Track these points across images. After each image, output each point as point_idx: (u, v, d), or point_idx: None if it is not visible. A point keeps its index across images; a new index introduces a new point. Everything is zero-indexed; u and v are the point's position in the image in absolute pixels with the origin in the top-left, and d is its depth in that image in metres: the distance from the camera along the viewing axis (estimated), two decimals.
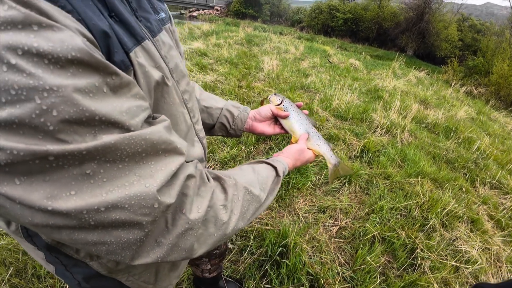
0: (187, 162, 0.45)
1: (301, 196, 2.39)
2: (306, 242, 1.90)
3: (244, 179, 0.58)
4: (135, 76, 0.42)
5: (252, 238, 1.84)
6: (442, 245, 2.10)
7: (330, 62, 8.27)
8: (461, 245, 2.16)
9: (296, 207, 2.26)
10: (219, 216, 0.47)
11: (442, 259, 2.01)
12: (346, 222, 2.18)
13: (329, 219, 2.21)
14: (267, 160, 0.71)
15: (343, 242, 2.02)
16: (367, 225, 2.09)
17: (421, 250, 2.01)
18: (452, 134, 4.33)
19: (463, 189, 2.90)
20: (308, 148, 0.86)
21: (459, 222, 2.41)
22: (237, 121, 0.90)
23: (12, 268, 1.70)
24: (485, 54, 16.62)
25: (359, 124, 3.81)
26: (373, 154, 3.09)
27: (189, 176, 0.43)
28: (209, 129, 0.92)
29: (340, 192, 2.49)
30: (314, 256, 1.83)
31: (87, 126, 0.30)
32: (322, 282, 1.65)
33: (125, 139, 0.33)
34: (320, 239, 1.96)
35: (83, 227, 0.33)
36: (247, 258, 1.74)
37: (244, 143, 2.82)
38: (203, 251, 0.46)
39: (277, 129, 0.94)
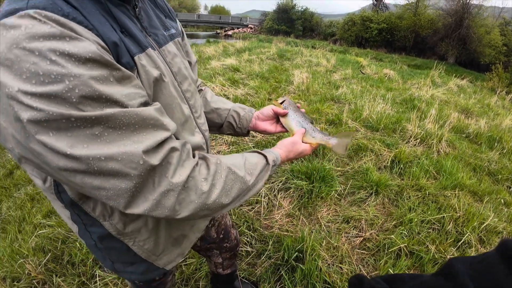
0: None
1: (324, 206, 2.38)
2: (325, 250, 1.89)
3: (230, 161, 0.67)
4: (138, 73, 0.55)
5: (271, 243, 1.88)
6: None
7: (362, 73, 8.12)
8: None
9: (319, 216, 2.25)
10: (199, 186, 0.57)
11: None
12: (371, 234, 2.12)
13: (353, 229, 2.17)
14: (259, 150, 0.78)
15: (367, 254, 1.97)
16: (393, 237, 2.02)
17: None
18: (496, 144, 3.99)
19: (506, 203, 2.65)
20: (305, 142, 0.92)
21: (499, 238, 2.21)
22: (242, 120, 1.00)
23: (50, 254, 1.93)
24: None
25: (391, 135, 3.69)
26: (405, 165, 2.97)
27: (173, 149, 0.54)
28: (219, 127, 1.04)
29: (367, 203, 2.44)
30: (333, 265, 1.82)
31: (97, 101, 0.44)
32: None
33: (122, 112, 0.46)
34: (341, 248, 1.93)
35: (89, 172, 0.46)
36: (264, 261, 1.78)
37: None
38: (185, 214, 0.56)
39: (278, 128, 1.01)
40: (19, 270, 1.86)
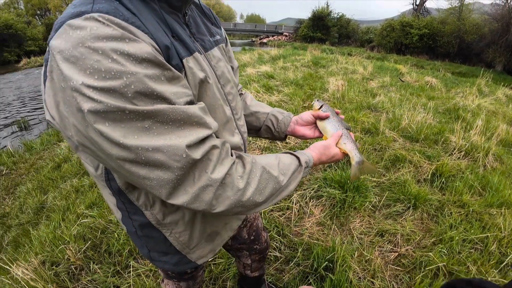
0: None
1: (358, 217, 2.29)
2: (357, 263, 1.81)
3: (265, 161, 0.69)
4: (185, 74, 0.59)
5: (300, 250, 1.85)
6: None
7: (402, 80, 7.77)
8: None
9: (351, 227, 2.17)
10: (235, 183, 0.59)
11: None
12: (406, 250, 2.00)
13: (387, 244, 2.06)
14: (291, 151, 0.79)
15: (401, 270, 1.85)
16: (431, 254, 1.88)
17: None
18: None
19: None
20: (337, 147, 0.90)
21: None
22: (280, 124, 1.01)
23: (89, 242, 2.06)
24: None
25: (432, 146, 3.47)
26: (447, 179, 2.77)
27: (214, 146, 0.57)
28: (257, 131, 1.06)
29: (403, 217, 2.30)
30: (364, 279, 1.73)
31: (149, 97, 0.48)
32: None
33: (170, 108, 0.50)
34: (374, 262, 1.84)
35: (137, 161, 0.50)
36: (292, 268, 1.75)
37: None
38: (221, 209, 0.59)
39: (316, 133, 1.00)
40: (59, 255, 2.00)
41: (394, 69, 10.24)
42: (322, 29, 32.49)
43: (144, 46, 0.48)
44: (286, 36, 37.07)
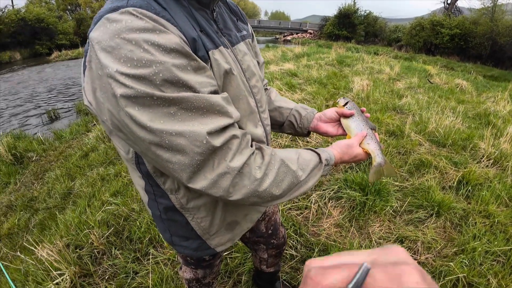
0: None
1: (377, 221, 2.23)
2: None
3: (284, 154, 0.70)
4: (211, 65, 0.62)
5: (316, 250, 1.83)
6: None
7: (430, 82, 7.46)
8: None
9: (370, 231, 2.13)
10: (253, 173, 0.61)
11: None
12: (426, 258, 1.93)
13: (407, 250, 1.99)
14: (312, 148, 0.79)
15: None
16: (452, 264, 1.81)
17: None
18: None
19: None
20: (360, 147, 0.88)
21: None
22: (303, 120, 1.00)
23: (112, 228, 2.14)
24: None
25: (460, 152, 3.32)
26: (474, 188, 2.64)
27: (234, 136, 0.59)
28: (280, 126, 1.06)
29: (425, 224, 2.23)
30: None
31: (175, 85, 0.51)
32: None
33: (194, 96, 0.53)
34: None
35: (162, 145, 0.53)
36: None
37: None
38: (237, 197, 0.61)
39: (340, 131, 0.98)
40: (83, 239, 2.10)
41: (423, 70, 9.83)
42: (348, 27, 31.63)
43: (173, 37, 0.52)
44: (310, 33, 36.46)
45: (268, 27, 39.94)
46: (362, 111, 0.95)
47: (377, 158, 0.90)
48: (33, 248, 2.04)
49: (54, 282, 1.78)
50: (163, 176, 0.71)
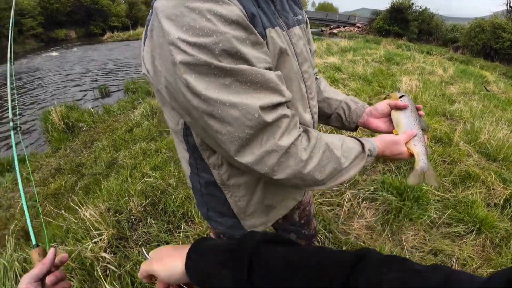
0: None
1: (412, 229, 2.13)
2: None
3: (329, 139, 0.68)
4: (267, 43, 0.61)
5: (345, 249, 1.80)
6: None
7: (487, 90, 6.81)
8: None
9: (403, 238, 2.04)
10: (299, 154, 0.61)
11: None
12: None
13: (441, 264, 1.88)
14: (356, 136, 0.76)
15: None
16: None
17: None
18: None
19: None
20: (406, 146, 0.82)
21: None
22: (352, 114, 0.96)
23: (149, 199, 2.27)
24: None
25: (511, 169, 3.02)
26: None
27: (285, 115, 0.59)
28: (327, 118, 1.02)
29: (464, 240, 2.08)
30: None
31: (233, 57, 0.52)
32: None
33: (250, 69, 0.53)
34: None
35: (213, 114, 0.53)
36: None
37: None
38: (281, 177, 0.61)
39: (392, 127, 0.91)
40: (123, 205, 2.26)
41: (480, 75, 8.99)
42: (400, 23, 29.61)
43: (235, 9, 0.52)
44: (358, 27, 34.73)
45: (315, 18, 38.69)
46: (418, 109, 0.88)
47: (421, 162, 0.83)
48: (77, 208, 2.23)
49: (93, 241, 1.95)
50: (208, 150, 0.71)
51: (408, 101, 0.88)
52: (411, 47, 14.85)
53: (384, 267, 0.36)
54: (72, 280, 1.79)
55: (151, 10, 0.56)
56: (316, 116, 0.84)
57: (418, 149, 0.83)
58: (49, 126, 4.82)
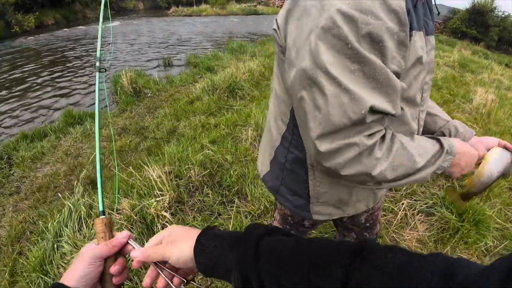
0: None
1: (466, 253, 2.02)
2: None
3: (404, 138, 0.64)
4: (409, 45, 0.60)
5: None
6: None
7: None
8: None
9: None
10: (374, 152, 0.58)
11: None
12: None
13: None
14: (432, 135, 0.72)
15: None
16: None
17: None
18: None
19: None
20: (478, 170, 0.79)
21: None
22: (459, 136, 0.89)
23: (207, 171, 2.43)
24: None
25: None
26: None
27: (382, 123, 0.58)
28: (429, 134, 0.97)
29: None
30: None
31: (372, 45, 0.51)
32: None
33: (380, 66, 0.52)
34: None
35: (324, 90, 0.53)
36: None
37: None
38: (349, 173, 0.59)
39: None
40: (184, 171, 2.44)
41: None
42: (480, 26, 26.32)
43: (400, 2, 0.51)
44: None
45: None
46: None
47: (486, 172, 0.78)
48: (145, 167, 2.44)
49: (157, 199, 2.15)
50: None
51: None
52: (489, 55, 13.28)
53: (389, 252, 0.36)
54: (131, 231, 2.01)
55: None
56: (421, 129, 0.82)
57: (492, 164, 0.78)
58: (118, 88, 5.25)
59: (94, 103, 0.85)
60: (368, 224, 1.17)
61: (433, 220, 2.12)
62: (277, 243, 0.45)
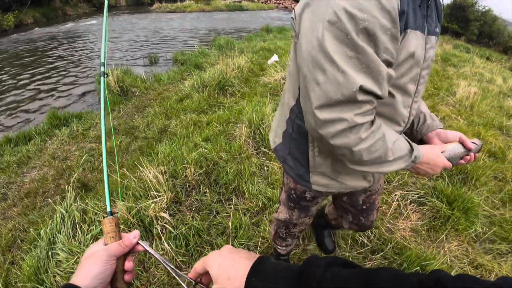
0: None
1: (457, 239, 2.11)
2: None
3: (388, 131, 0.75)
4: (402, 40, 0.69)
5: (390, 246, 1.84)
6: None
7: None
8: None
9: (446, 247, 2.03)
10: (360, 132, 0.69)
11: None
12: None
13: (479, 279, 1.87)
14: (410, 141, 0.83)
15: None
16: None
17: None
18: None
19: None
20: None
21: None
22: (423, 127, 1.01)
23: (203, 169, 2.43)
24: None
25: None
26: None
27: (371, 102, 0.67)
28: None
29: (504, 258, 2.03)
30: None
31: (368, 38, 0.61)
32: None
33: (372, 56, 0.62)
34: None
35: (323, 67, 0.63)
36: (378, 259, 1.77)
37: None
38: (335, 143, 0.69)
39: None
40: (179, 171, 2.41)
41: None
42: (460, 21, 27.14)
43: (393, 3, 0.61)
44: None
45: None
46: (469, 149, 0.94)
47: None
48: (141, 167, 2.40)
49: (154, 201, 2.12)
50: None
51: (477, 146, 0.94)
52: (470, 49, 13.70)
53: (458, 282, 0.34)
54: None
55: None
56: (411, 118, 0.90)
57: (451, 148, 0.92)
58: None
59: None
60: (365, 207, 1.23)
61: (425, 209, 2.20)
62: (342, 281, 0.39)
